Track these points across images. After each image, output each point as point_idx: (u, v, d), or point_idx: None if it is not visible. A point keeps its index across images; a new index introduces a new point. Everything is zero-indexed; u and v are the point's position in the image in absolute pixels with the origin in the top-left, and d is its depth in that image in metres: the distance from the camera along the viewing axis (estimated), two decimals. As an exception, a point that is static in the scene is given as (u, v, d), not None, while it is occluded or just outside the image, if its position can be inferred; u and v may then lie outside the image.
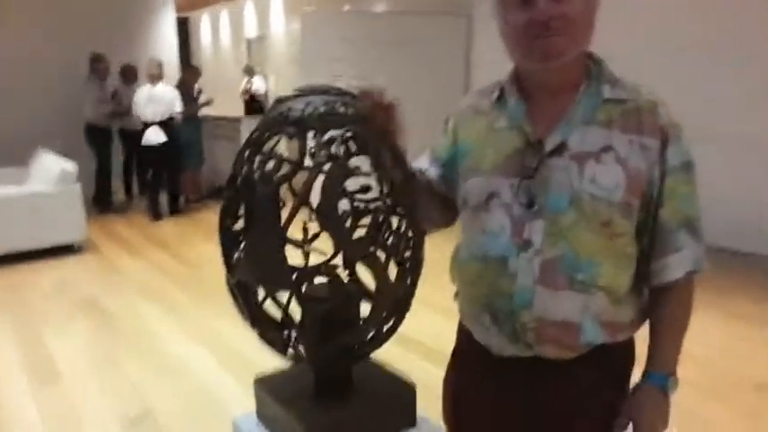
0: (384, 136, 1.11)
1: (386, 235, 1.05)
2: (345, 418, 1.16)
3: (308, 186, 0.98)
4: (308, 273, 1.03)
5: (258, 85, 10.18)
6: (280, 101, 1.12)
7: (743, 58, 4.42)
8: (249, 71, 10.24)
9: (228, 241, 1.10)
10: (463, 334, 1.29)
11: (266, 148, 1.08)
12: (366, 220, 1.04)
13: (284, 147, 1.13)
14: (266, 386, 1.24)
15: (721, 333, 3.20)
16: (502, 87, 1.20)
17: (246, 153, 1.09)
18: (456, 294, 1.28)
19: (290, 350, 1.16)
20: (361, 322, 1.11)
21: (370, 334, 1.14)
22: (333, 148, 1.01)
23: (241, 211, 1.08)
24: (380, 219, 1.04)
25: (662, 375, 1.18)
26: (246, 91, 10.06)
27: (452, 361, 1.34)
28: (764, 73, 4.38)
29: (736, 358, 2.93)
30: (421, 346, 3.06)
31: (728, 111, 4.53)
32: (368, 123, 1.07)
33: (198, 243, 5.40)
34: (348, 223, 1.00)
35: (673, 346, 1.20)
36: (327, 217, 0.98)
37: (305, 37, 6.10)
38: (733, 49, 4.47)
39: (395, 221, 1.08)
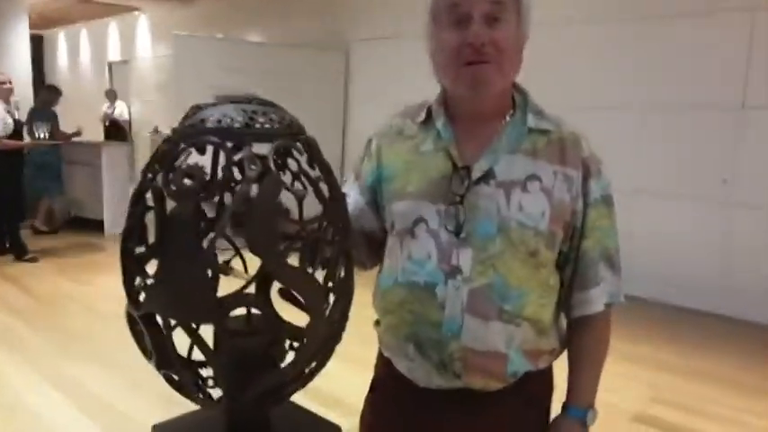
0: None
1: (319, 261, 0.94)
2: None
3: (239, 203, 0.86)
4: (234, 302, 0.90)
5: (121, 110, 9.62)
6: (198, 108, 0.99)
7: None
8: (111, 95, 9.65)
9: (131, 267, 0.95)
10: (383, 364, 1.22)
11: (179, 161, 0.95)
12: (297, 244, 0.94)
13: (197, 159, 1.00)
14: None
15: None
16: (429, 109, 1.16)
17: (156, 166, 0.95)
18: (376, 322, 1.21)
19: (201, 394, 1.01)
20: (286, 360, 0.99)
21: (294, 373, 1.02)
22: (265, 161, 0.90)
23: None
24: (314, 242, 0.93)
25: (582, 409, 1.18)
26: (107, 116, 9.47)
27: (371, 394, 1.26)
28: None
29: (614, 391, 3.07)
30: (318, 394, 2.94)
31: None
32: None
33: (51, 278, 4.89)
34: (282, 247, 0.89)
35: (592, 378, 1.20)
36: (259, 239, 0.86)
37: (178, 62, 5.83)
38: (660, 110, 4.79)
39: (327, 247, 0.98)
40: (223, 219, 0.87)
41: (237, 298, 0.90)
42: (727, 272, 4.49)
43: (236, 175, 0.91)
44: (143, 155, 9.40)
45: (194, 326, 0.89)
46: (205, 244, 0.87)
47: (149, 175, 0.94)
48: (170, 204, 0.90)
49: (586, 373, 1.19)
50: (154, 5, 9.59)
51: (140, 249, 0.95)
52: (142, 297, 0.92)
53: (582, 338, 1.18)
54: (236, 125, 0.92)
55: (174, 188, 0.87)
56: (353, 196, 1.20)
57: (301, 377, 1.05)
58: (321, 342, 0.98)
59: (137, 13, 10.12)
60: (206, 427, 1.07)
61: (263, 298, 0.92)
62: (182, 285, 0.86)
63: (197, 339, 0.90)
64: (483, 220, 1.06)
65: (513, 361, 1.09)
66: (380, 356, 1.23)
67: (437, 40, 1.10)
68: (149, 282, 0.90)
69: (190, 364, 0.98)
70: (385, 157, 1.18)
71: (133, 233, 0.95)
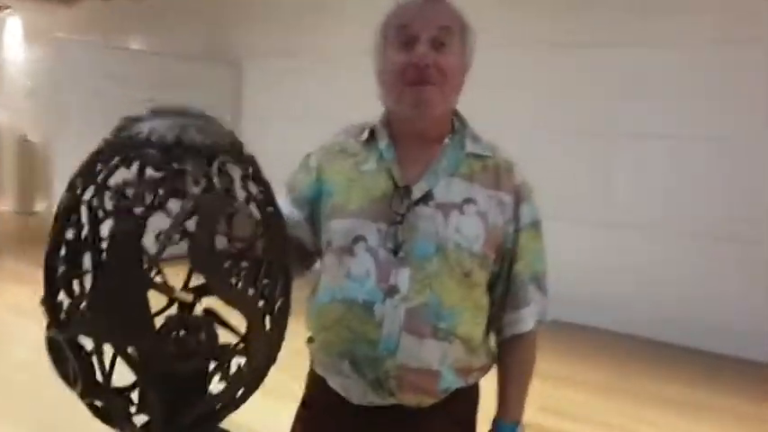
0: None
1: (261, 279, 0.93)
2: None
3: (181, 221, 0.83)
4: (176, 325, 0.87)
5: (-14, 117, 8.90)
6: (131, 120, 0.95)
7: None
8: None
9: (55, 288, 0.89)
10: (314, 382, 1.23)
11: (104, 176, 0.90)
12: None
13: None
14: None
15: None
16: (372, 129, 1.19)
17: (82, 181, 0.90)
18: (309, 339, 1.21)
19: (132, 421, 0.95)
20: (224, 383, 0.96)
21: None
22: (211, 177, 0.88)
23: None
24: (257, 261, 0.92)
25: (511, 425, 1.25)
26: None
27: (302, 411, 1.26)
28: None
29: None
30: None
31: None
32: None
33: None
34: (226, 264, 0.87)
35: (521, 393, 1.28)
36: (203, 258, 0.84)
37: (57, 68, 5.49)
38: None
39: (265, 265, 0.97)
40: (164, 237, 0.84)
41: (179, 320, 0.87)
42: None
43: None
44: (9, 163, 8.74)
45: (128, 350, 0.84)
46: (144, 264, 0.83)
47: (78, 191, 0.89)
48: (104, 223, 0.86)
49: (516, 389, 1.26)
50: (27, 5, 8.97)
51: (62, 269, 0.89)
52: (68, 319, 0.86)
53: (512, 356, 1.25)
54: (173, 139, 0.89)
55: (112, 206, 0.82)
56: (286, 209, 1.20)
57: (234, 401, 1.02)
58: (261, 363, 0.96)
59: (7, 11, 9.42)
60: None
61: (205, 319, 0.89)
62: (119, 308, 0.81)
63: (131, 364, 0.86)
64: (422, 240, 1.11)
65: (445, 378, 1.13)
66: (312, 374, 1.23)
67: (384, 60, 1.13)
68: (80, 305, 0.85)
69: (120, 391, 0.93)
70: (326, 173, 1.21)
71: (57, 252, 0.89)
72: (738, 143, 4.50)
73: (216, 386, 0.98)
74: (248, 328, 0.90)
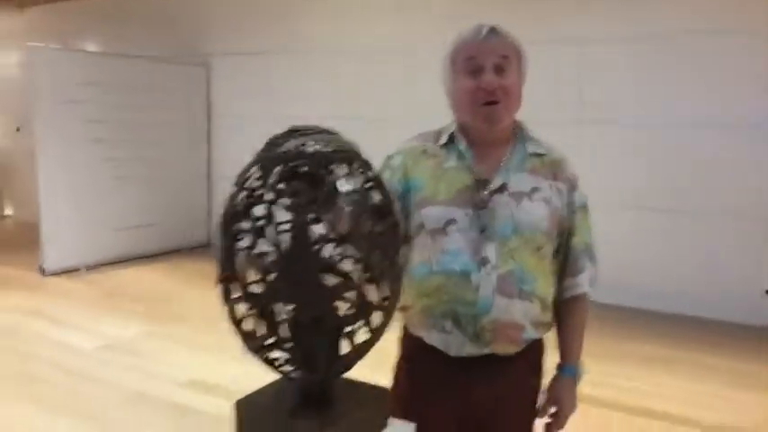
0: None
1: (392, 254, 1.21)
2: (334, 420, 1.26)
3: (340, 215, 1.12)
4: (340, 291, 1.15)
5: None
6: (277, 138, 1.22)
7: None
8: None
9: (232, 269, 1.16)
10: (411, 341, 1.51)
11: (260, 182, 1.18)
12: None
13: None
14: (245, 405, 1.28)
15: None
16: (451, 134, 1.47)
17: (246, 185, 1.16)
18: (403, 308, 1.49)
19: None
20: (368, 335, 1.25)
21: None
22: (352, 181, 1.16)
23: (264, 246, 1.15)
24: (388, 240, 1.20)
25: (572, 367, 1.57)
26: None
27: (402, 364, 1.54)
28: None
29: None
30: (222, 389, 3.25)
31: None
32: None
33: None
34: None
35: (580, 342, 1.60)
36: (359, 238, 1.12)
37: (34, 75, 5.53)
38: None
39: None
40: (329, 225, 1.12)
41: (341, 287, 1.15)
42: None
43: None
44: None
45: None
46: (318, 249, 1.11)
47: (242, 195, 1.16)
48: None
49: (577, 339, 1.58)
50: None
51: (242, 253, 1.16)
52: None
53: (572, 313, 1.56)
54: (319, 150, 1.17)
55: (291, 202, 1.10)
56: None
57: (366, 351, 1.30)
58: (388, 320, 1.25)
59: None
60: (282, 396, 1.29)
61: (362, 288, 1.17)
62: (300, 281, 1.10)
63: (304, 323, 1.14)
64: (502, 221, 1.40)
65: (527, 330, 1.45)
66: (407, 336, 1.52)
67: (455, 84, 1.42)
68: (270, 278, 1.12)
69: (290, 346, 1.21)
70: (411, 170, 1.48)
71: (233, 241, 1.16)
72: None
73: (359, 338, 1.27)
74: (391, 292, 1.18)
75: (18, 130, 7.46)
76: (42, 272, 5.84)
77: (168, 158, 6.84)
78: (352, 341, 1.28)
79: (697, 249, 5.02)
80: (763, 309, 4.87)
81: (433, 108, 5.51)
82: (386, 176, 1.52)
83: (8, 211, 9.17)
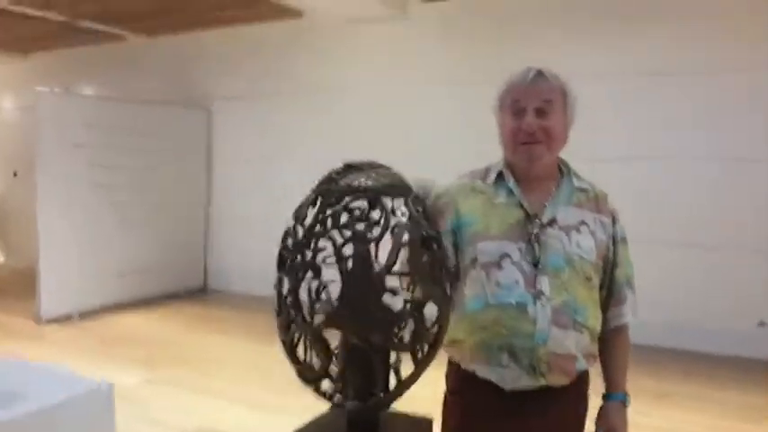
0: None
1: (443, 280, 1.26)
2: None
3: (399, 244, 1.17)
4: (401, 318, 1.19)
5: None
6: (335, 173, 1.28)
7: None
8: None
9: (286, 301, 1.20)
10: (461, 376, 1.53)
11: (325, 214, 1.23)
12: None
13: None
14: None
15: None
16: (500, 171, 1.53)
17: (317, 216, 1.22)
18: (452, 342, 1.50)
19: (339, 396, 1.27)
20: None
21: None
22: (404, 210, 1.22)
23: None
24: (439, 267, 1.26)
25: (622, 394, 1.60)
26: None
27: (453, 399, 1.56)
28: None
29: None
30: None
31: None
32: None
33: None
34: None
35: (625, 371, 1.63)
36: (416, 267, 1.18)
37: (39, 118, 5.60)
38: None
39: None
40: (390, 254, 1.17)
41: (402, 315, 1.20)
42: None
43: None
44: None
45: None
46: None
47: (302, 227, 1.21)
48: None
49: (622, 368, 1.61)
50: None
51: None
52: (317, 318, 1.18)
53: (617, 342, 1.61)
54: (376, 185, 1.23)
55: (351, 234, 1.16)
56: None
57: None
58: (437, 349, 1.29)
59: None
60: (334, 426, 1.32)
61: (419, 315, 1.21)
62: (362, 307, 1.14)
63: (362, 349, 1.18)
64: (553, 254, 1.45)
65: (579, 361, 1.48)
66: (456, 370, 1.54)
67: (502, 123, 1.50)
68: (331, 304, 1.16)
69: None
70: (462, 207, 1.53)
71: (295, 272, 1.21)
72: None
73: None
74: (439, 316, 1.23)
75: (15, 175, 7.49)
76: (39, 320, 5.78)
77: (167, 202, 6.87)
78: (398, 371, 1.32)
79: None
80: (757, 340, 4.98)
81: (433, 150, 5.69)
82: (440, 200, 1.55)
83: (1, 258, 9.10)
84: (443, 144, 5.82)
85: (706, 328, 5.05)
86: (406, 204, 1.23)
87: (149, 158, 6.56)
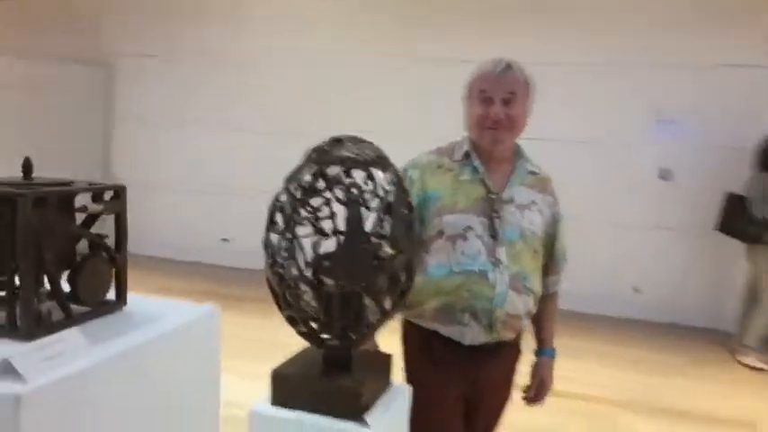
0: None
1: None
2: (352, 383, 1.50)
3: (385, 207, 1.39)
4: (384, 268, 1.41)
5: None
6: (331, 144, 1.46)
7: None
8: None
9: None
10: (422, 334, 1.75)
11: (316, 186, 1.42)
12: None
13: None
14: (281, 372, 1.50)
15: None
16: (467, 151, 1.73)
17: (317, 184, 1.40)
18: (413, 305, 1.71)
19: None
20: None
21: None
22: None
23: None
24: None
25: (551, 349, 1.89)
26: None
27: (416, 355, 1.80)
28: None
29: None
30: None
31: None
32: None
33: None
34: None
35: (553, 331, 1.92)
36: (401, 222, 1.39)
37: None
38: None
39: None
40: (379, 216, 1.38)
41: (384, 265, 1.41)
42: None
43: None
44: None
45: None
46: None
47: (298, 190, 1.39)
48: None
49: (550, 327, 1.89)
50: None
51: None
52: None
53: (550, 306, 1.88)
54: (368, 156, 1.42)
55: (348, 196, 1.35)
56: None
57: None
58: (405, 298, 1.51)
59: None
60: (310, 365, 1.51)
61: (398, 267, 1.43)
62: (354, 260, 1.35)
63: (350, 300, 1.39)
64: (510, 228, 1.68)
65: (523, 320, 1.74)
66: (417, 329, 1.75)
67: (470, 109, 1.69)
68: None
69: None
70: (429, 182, 1.71)
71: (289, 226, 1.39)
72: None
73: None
74: (410, 269, 1.45)
75: None
76: None
77: (61, 157, 6.56)
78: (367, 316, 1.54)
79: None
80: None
81: (339, 118, 5.89)
82: (408, 177, 1.73)
83: None
84: (359, 113, 6.00)
85: (588, 293, 5.65)
86: (390, 174, 1.43)
87: (46, 116, 6.23)
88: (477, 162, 1.73)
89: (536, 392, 1.89)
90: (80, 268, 1.34)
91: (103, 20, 6.99)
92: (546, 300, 1.87)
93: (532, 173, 1.80)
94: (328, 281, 1.41)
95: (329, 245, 1.46)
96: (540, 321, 1.90)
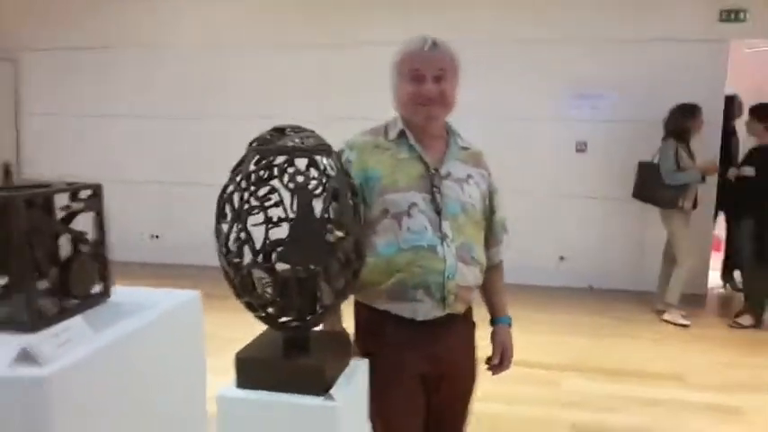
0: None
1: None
2: (314, 361, 1.57)
3: (331, 193, 1.46)
4: (334, 250, 1.48)
5: None
6: (273, 134, 1.52)
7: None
8: None
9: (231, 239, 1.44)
10: (374, 316, 1.78)
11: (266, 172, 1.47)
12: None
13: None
14: (245, 356, 1.55)
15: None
16: (402, 130, 1.78)
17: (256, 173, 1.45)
18: (365, 286, 1.71)
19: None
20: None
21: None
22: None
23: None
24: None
25: (507, 317, 1.95)
26: None
27: (369, 336, 1.80)
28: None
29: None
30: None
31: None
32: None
33: None
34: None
35: (505, 298, 1.97)
36: (343, 206, 1.47)
37: None
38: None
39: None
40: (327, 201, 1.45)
41: (335, 247, 1.48)
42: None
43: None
44: None
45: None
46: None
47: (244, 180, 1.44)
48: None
49: (502, 296, 1.95)
50: None
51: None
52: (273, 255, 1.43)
53: (497, 275, 1.94)
54: (311, 145, 1.49)
55: (294, 186, 1.41)
56: None
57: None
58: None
59: None
60: (271, 346, 1.57)
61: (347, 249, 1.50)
62: (306, 243, 1.41)
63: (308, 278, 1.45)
64: (452, 202, 1.72)
65: (473, 292, 1.79)
66: (368, 310, 1.78)
67: (401, 87, 1.74)
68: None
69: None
70: (368, 162, 1.74)
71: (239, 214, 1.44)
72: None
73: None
74: (359, 251, 1.53)
75: None
76: None
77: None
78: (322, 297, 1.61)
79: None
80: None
81: (244, 106, 5.91)
82: (345, 159, 1.74)
83: None
84: (271, 102, 6.05)
85: (516, 264, 5.87)
86: (332, 160, 1.50)
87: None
88: (412, 140, 1.77)
89: (500, 360, 1.93)
90: (69, 264, 1.44)
91: (6, 15, 6.72)
92: (492, 270, 1.91)
93: (464, 148, 1.85)
94: (283, 266, 1.47)
95: (278, 232, 1.52)
96: (490, 291, 1.94)
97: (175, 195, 6.60)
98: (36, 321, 1.31)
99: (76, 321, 1.30)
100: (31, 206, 1.34)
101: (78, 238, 1.49)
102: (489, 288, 1.94)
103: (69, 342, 1.22)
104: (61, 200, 1.47)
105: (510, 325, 1.94)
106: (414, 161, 1.75)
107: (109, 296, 1.58)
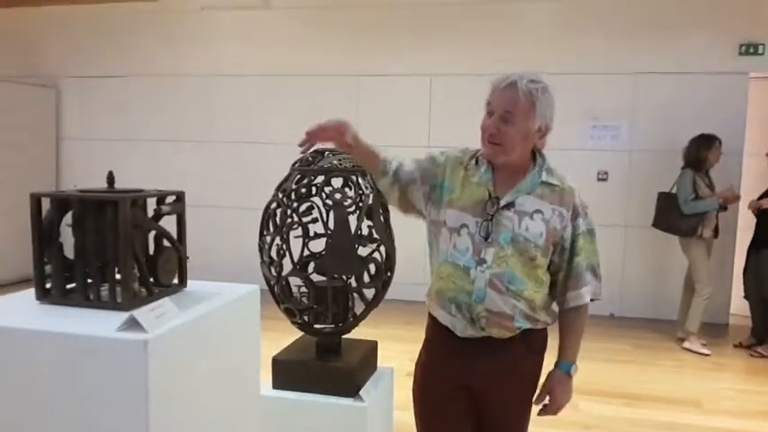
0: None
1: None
2: (346, 365, 1.72)
3: (366, 209, 1.61)
4: (367, 262, 1.62)
5: None
6: (311, 157, 1.68)
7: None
8: None
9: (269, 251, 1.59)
10: (430, 323, 1.87)
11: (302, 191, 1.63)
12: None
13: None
14: (281, 359, 1.70)
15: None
16: (479, 157, 1.84)
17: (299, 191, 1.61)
18: (429, 291, 1.83)
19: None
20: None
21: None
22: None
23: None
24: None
25: (569, 364, 1.87)
26: None
27: (427, 343, 1.90)
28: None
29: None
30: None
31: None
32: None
33: None
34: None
35: (577, 345, 1.90)
36: (378, 225, 1.61)
37: None
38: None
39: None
40: (360, 215, 1.60)
41: (367, 260, 1.63)
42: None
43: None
44: None
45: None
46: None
47: (284, 196, 1.60)
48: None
49: (574, 341, 1.89)
50: None
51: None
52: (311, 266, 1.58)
53: (573, 319, 1.88)
54: (348, 165, 1.64)
55: (333, 202, 1.57)
56: (410, 164, 1.85)
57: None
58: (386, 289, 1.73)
59: None
60: (305, 351, 1.71)
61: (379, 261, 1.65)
62: (343, 255, 1.55)
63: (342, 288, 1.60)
64: (504, 232, 1.74)
65: (517, 320, 1.76)
66: (430, 318, 1.87)
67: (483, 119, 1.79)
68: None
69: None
70: (448, 174, 1.84)
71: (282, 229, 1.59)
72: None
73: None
74: (390, 263, 1.68)
75: None
76: None
77: (15, 178, 6.56)
78: (353, 306, 1.75)
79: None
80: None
81: (284, 133, 6.11)
82: (429, 164, 1.86)
83: None
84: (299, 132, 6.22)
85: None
86: (367, 180, 1.66)
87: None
88: (483, 168, 1.82)
89: (546, 404, 1.90)
90: (157, 256, 1.75)
91: (46, 40, 7.07)
92: (568, 313, 1.89)
93: (548, 184, 1.81)
94: (319, 276, 1.61)
95: (316, 245, 1.67)
96: (563, 334, 1.92)
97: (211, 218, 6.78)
98: (130, 301, 1.58)
99: (166, 301, 1.58)
100: (134, 206, 1.60)
101: (165, 234, 1.76)
102: (561, 329, 1.93)
103: (164, 316, 1.50)
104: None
105: (569, 373, 1.89)
106: (480, 187, 1.81)
107: (185, 286, 1.87)
